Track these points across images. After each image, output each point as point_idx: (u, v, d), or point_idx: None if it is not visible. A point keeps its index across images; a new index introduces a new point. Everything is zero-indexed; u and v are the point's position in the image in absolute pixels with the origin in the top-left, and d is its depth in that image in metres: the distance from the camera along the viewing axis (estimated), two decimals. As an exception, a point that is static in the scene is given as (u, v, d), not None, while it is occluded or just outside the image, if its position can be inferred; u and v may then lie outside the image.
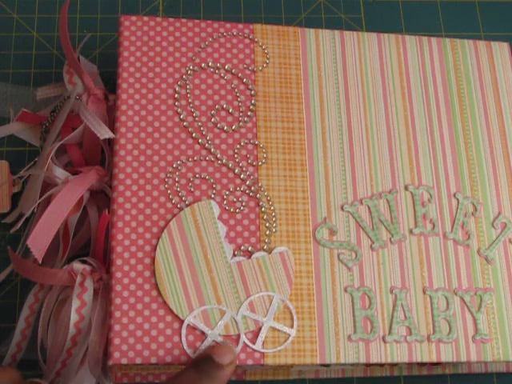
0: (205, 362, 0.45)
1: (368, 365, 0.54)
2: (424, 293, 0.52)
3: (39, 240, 0.48)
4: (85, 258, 0.50)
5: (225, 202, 0.51)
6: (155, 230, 0.49)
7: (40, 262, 0.48)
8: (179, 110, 0.53)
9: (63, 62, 0.61)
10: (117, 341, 0.46)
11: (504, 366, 0.58)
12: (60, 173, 0.52)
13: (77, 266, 0.49)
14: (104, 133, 0.51)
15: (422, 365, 0.56)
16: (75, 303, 0.48)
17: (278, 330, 0.49)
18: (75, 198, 0.50)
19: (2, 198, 0.56)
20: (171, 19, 0.55)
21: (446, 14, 0.70)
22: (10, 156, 0.59)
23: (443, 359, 0.50)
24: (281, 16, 0.67)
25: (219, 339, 0.47)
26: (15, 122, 0.59)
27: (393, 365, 0.55)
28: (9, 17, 0.64)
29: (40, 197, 0.52)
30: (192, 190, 0.51)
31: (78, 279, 0.49)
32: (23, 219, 0.51)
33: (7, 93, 0.60)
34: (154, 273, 0.48)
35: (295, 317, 0.49)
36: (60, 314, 0.50)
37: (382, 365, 0.55)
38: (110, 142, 0.54)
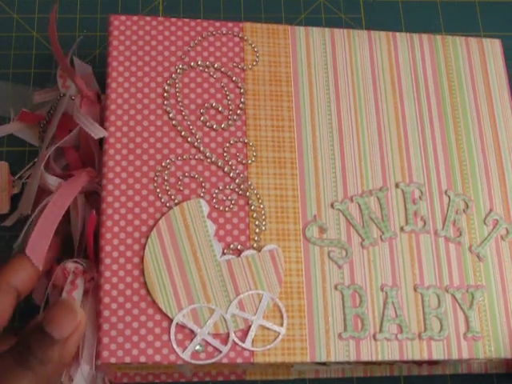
0: (31, 335, 0.39)
1: (367, 363, 0.54)
2: (415, 290, 0.52)
3: (37, 248, 0.48)
4: (77, 259, 0.50)
5: (214, 201, 0.51)
6: (144, 228, 0.49)
7: (40, 269, 0.48)
8: (168, 108, 0.52)
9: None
10: (105, 340, 0.46)
11: (504, 367, 0.57)
12: (52, 180, 0.52)
13: (70, 265, 0.49)
14: (98, 132, 0.51)
15: (420, 364, 0.55)
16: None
17: (268, 329, 0.48)
18: (68, 202, 0.50)
19: (1, 200, 0.56)
20: (160, 18, 0.55)
21: (445, 14, 0.69)
22: (10, 156, 0.59)
23: (434, 357, 0.50)
24: (281, 16, 0.67)
25: (209, 338, 0.47)
26: (15, 122, 0.59)
27: (392, 364, 0.55)
28: (9, 17, 0.64)
29: (37, 200, 0.52)
30: (181, 188, 0.51)
31: (70, 277, 0.49)
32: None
33: (7, 92, 0.60)
34: (142, 272, 0.48)
35: (285, 315, 0.49)
36: None
37: (380, 363, 0.55)
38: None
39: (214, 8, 0.67)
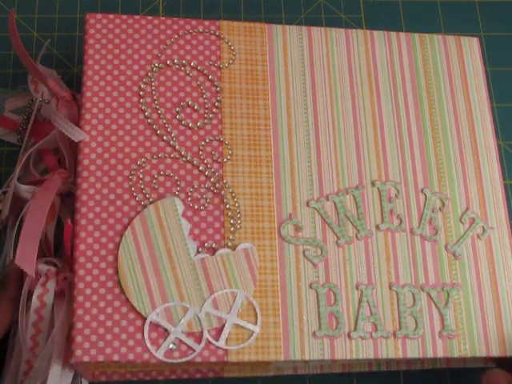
0: None
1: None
2: (390, 289, 0.52)
3: (26, 257, 0.47)
4: (50, 258, 0.50)
5: (189, 199, 0.51)
6: (119, 227, 0.49)
7: (33, 276, 0.48)
8: (144, 107, 0.52)
9: (63, 63, 0.62)
10: (79, 338, 0.46)
11: (482, 362, 0.57)
12: (26, 189, 0.52)
13: (42, 266, 0.49)
14: (78, 135, 0.51)
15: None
16: (35, 304, 0.48)
17: (242, 327, 0.48)
18: (47, 206, 0.50)
19: None
20: (137, 16, 0.55)
21: (445, 13, 0.70)
22: (8, 156, 0.60)
23: (409, 355, 0.50)
24: (281, 16, 0.67)
25: (182, 337, 0.47)
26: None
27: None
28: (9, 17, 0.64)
29: (14, 208, 0.52)
30: (156, 187, 0.51)
31: (41, 280, 0.49)
32: None
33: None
34: (116, 270, 0.48)
35: (259, 313, 0.49)
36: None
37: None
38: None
39: (213, 8, 0.67)
